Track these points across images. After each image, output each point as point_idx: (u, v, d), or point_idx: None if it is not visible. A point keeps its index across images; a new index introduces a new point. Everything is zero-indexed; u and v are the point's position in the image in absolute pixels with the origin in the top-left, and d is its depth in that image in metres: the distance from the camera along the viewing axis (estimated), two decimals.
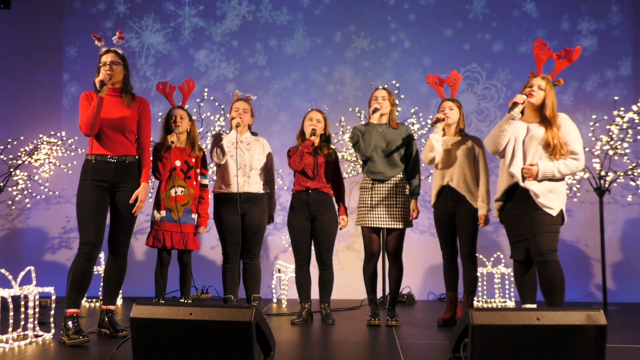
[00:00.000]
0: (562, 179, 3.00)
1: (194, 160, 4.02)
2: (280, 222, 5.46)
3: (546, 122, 2.98)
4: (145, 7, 5.83)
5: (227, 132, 3.94)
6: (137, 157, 3.21)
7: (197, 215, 4.02)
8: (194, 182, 4.01)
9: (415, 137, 5.14)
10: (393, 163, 3.66)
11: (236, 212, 3.73)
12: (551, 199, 2.93)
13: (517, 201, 3.03)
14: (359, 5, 5.73)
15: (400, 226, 3.62)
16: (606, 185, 4.79)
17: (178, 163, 3.96)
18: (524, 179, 2.97)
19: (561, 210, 2.96)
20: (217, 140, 3.77)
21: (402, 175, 3.69)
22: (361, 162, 3.81)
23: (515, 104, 2.97)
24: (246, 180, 3.80)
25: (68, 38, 5.83)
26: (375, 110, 3.64)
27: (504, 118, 3.03)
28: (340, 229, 3.84)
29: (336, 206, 3.86)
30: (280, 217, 5.44)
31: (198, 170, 4.05)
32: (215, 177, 3.96)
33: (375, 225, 3.63)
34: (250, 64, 5.74)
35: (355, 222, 3.79)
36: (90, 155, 3.08)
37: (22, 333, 3.07)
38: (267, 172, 3.95)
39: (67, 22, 5.84)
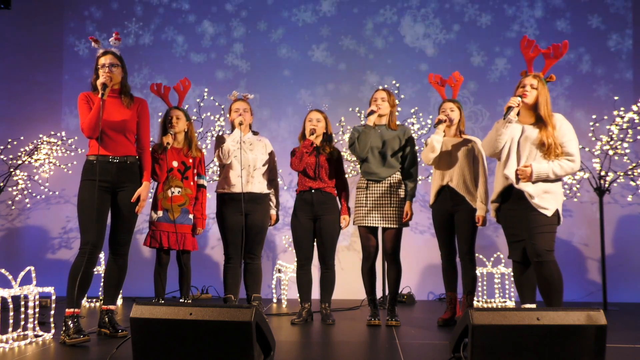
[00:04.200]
0: (557, 180, 2.98)
1: (191, 160, 4.01)
2: (280, 222, 5.45)
3: (541, 122, 2.96)
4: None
5: (228, 132, 3.93)
6: (137, 157, 3.22)
7: (193, 216, 4.02)
8: (192, 183, 4.01)
9: (416, 138, 5.18)
10: (388, 164, 3.66)
11: (239, 212, 3.72)
12: (546, 199, 2.92)
13: (513, 202, 3.02)
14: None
15: (396, 226, 3.62)
16: (606, 185, 4.78)
17: (175, 164, 3.95)
18: (518, 180, 2.96)
19: (557, 211, 2.94)
20: (220, 141, 3.76)
21: (397, 176, 3.69)
22: (360, 163, 3.81)
23: (510, 108, 2.94)
24: (249, 180, 3.79)
25: (68, 38, 5.83)
26: (372, 112, 3.64)
27: (500, 122, 3.00)
28: (343, 228, 3.84)
29: (339, 206, 3.85)
30: (280, 217, 5.42)
31: (195, 171, 4.05)
32: (214, 178, 3.95)
33: (371, 225, 3.63)
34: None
35: (352, 222, 3.79)
36: (91, 155, 3.10)
37: (22, 333, 3.07)
38: (270, 171, 3.94)
39: (67, 22, 5.84)
